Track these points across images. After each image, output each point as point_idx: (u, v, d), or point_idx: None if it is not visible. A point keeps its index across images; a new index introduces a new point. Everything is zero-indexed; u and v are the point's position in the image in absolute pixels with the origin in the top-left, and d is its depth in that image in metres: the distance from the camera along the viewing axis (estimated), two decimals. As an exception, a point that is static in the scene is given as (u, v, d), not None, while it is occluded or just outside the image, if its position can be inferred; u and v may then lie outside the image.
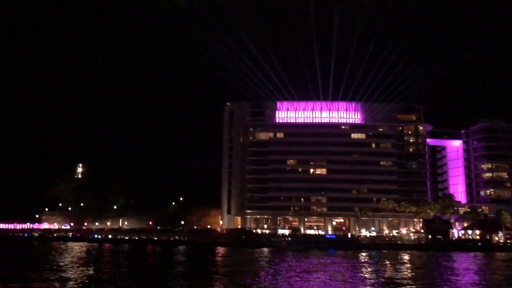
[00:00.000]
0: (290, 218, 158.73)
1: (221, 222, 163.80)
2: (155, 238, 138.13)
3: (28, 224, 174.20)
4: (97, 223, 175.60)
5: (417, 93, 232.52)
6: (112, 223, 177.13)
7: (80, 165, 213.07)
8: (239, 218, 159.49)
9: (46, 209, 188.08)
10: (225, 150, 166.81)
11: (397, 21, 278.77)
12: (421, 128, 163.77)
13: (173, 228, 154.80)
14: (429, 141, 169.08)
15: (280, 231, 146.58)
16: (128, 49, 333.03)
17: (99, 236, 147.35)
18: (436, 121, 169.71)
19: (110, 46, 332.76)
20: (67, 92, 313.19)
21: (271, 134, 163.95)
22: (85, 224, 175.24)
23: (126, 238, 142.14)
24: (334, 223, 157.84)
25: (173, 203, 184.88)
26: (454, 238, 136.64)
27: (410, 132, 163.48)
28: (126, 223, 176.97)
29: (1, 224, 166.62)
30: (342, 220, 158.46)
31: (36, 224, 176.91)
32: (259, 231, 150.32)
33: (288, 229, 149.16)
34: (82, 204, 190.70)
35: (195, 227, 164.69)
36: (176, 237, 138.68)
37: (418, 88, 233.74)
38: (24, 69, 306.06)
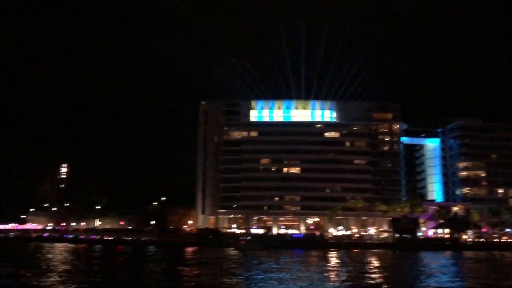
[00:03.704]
0: (265, 218, 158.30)
1: (190, 222, 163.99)
2: (124, 239, 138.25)
3: (12, 225, 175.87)
4: (73, 224, 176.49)
5: (393, 91, 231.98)
6: (92, 224, 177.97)
7: (65, 165, 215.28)
8: (213, 218, 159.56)
9: (31, 210, 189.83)
10: (200, 150, 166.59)
11: (367, 20, 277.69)
12: (396, 126, 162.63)
13: (144, 228, 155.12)
14: (406, 140, 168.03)
15: (254, 231, 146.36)
16: (107, 50, 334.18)
17: (72, 237, 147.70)
18: (413, 120, 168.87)
19: (93, 48, 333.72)
20: (51, 93, 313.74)
21: (245, 133, 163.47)
22: (62, 224, 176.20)
23: (97, 238, 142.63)
24: (310, 222, 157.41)
25: (155, 203, 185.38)
26: (422, 237, 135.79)
27: (384, 131, 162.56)
28: (99, 222, 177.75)
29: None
30: (317, 219, 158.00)
31: (17, 224, 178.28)
32: (232, 230, 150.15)
33: (260, 228, 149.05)
34: (68, 205, 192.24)
35: (171, 227, 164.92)
36: (145, 237, 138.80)
37: (394, 87, 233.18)
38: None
